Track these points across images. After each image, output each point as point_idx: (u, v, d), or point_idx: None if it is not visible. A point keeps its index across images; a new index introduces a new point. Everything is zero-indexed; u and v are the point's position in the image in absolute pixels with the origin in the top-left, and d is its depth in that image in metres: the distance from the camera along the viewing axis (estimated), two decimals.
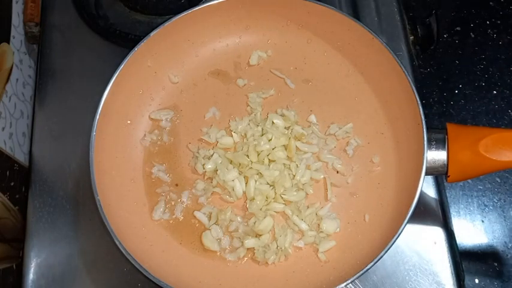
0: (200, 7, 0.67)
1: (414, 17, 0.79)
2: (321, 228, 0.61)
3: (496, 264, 0.74)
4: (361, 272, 0.54)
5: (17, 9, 0.77)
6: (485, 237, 0.75)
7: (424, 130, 0.58)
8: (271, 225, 0.61)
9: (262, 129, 0.65)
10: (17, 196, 0.70)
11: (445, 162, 0.58)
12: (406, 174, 0.60)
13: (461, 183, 0.78)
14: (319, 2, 0.66)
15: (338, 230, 0.61)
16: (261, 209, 0.62)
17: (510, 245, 0.74)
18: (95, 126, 0.61)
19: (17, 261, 0.68)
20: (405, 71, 0.61)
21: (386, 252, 0.54)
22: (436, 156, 0.58)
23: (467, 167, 0.57)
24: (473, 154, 0.56)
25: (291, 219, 0.62)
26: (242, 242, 0.60)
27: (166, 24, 0.66)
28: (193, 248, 0.61)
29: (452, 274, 0.63)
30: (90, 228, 0.66)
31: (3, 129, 0.68)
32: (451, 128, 0.59)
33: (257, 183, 0.63)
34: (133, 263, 0.55)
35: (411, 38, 0.77)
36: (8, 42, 0.73)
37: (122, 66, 0.64)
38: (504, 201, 0.77)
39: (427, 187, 0.67)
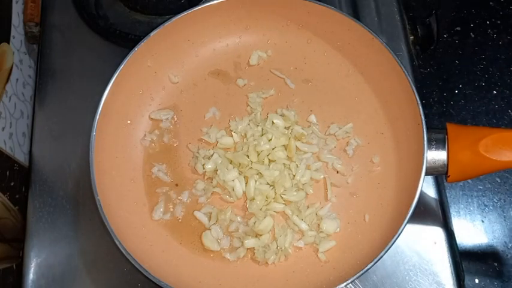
0: (200, 7, 0.67)
1: (414, 17, 0.79)
2: (321, 228, 0.61)
3: (496, 264, 0.74)
4: (361, 272, 0.54)
5: (17, 9, 0.77)
6: (485, 237, 0.75)
7: (424, 130, 0.58)
8: (271, 225, 0.61)
9: (262, 129, 0.65)
10: (17, 196, 0.70)
11: (445, 162, 0.58)
12: (406, 174, 0.60)
13: (461, 183, 0.78)
14: (319, 2, 0.66)
15: (338, 230, 0.61)
16: (261, 209, 0.62)
17: (510, 245, 0.74)
18: (95, 126, 0.61)
19: (17, 261, 0.68)
20: (405, 71, 0.61)
21: (386, 252, 0.54)
22: (436, 156, 0.58)
23: (467, 167, 0.57)
24: (473, 154, 0.56)
25: (291, 219, 0.62)
26: (242, 242, 0.60)
27: (166, 24, 0.66)
28: (193, 248, 0.61)
29: (452, 274, 0.63)
30: (90, 228, 0.66)
31: (3, 129, 0.68)
32: (451, 128, 0.59)
33: (257, 183, 0.63)
34: (133, 263, 0.55)
35: (411, 38, 0.77)
36: (8, 42, 0.73)
37: (122, 66, 0.64)
38: (504, 201, 0.77)
39: (427, 187, 0.67)
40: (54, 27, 0.78)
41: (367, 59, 0.67)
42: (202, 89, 0.70)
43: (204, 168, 0.64)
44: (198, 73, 0.70)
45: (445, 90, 0.84)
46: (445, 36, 0.88)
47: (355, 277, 0.54)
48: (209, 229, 0.61)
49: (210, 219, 0.62)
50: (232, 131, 0.66)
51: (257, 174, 0.63)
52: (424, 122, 0.58)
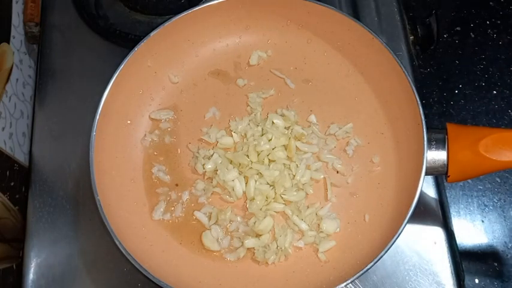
0: (200, 7, 0.67)
1: (414, 17, 0.79)
2: (321, 228, 0.61)
3: (496, 264, 0.74)
4: (361, 272, 0.54)
5: (17, 9, 0.77)
6: (485, 237, 0.75)
7: (424, 130, 0.58)
8: (271, 225, 0.61)
9: (262, 129, 0.65)
10: (17, 196, 0.70)
11: (445, 162, 0.58)
12: (406, 174, 0.60)
13: (461, 183, 0.78)
14: (319, 2, 0.66)
15: (338, 230, 0.61)
16: (261, 209, 0.62)
17: (510, 245, 0.74)
18: (95, 126, 0.61)
19: (17, 261, 0.68)
20: (405, 71, 0.61)
21: (386, 252, 0.54)
22: (436, 156, 0.58)
23: (467, 167, 0.57)
24: (473, 154, 0.56)
25: (291, 219, 0.62)
26: (242, 242, 0.60)
27: (166, 24, 0.66)
28: (193, 248, 0.61)
29: (452, 274, 0.63)
30: (90, 228, 0.66)
31: (3, 129, 0.68)
32: (451, 128, 0.59)
33: (257, 183, 0.63)
34: (133, 263, 0.55)
35: (411, 38, 0.77)
36: (8, 42, 0.73)
37: (122, 66, 0.64)
38: (504, 201, 0.77)
39: (427, 187, 0.67)
40: (54, 27, 0.78)
41: (367, 59, 0.67)
42: (202, 89, 0.70)
43: (204, 168, 0.64)
44: (198, 73, 0.70)
45: (445, 90, 0.84)
46: (445, 36, 0.88)
47: (355, 277, 0.54)
48: (209, 229, 0.61)
49: (210, 219, 0.62)
50: (232, 131, 0.66)
51: (257, 174, 0.63)
52: (424, 122, 0.58)
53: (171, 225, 0.62)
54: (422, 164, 0.57)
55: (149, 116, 0.68)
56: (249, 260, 0.61)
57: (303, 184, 0.63)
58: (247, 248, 0.60)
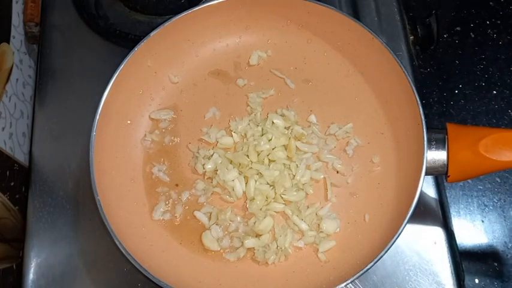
0: (200, 7, 0.67)
1: (414, 17, 0.79)
2: (321, 228, 0.61)
3: (496, 264, 0.74)
4: (361, 272, 0.54)
5: (17, 9, 0.77)
6: (485, 237, 0.75)
7: (424, 130, 0.58)
8: (271, 225, 0.61)
9: (262, 129, 0.65)
10: (17, 196, 0.70)
11: (445, 162, 0.58)
12: (406, 174, 0.60)
13: (461, 183, 0.78)
14: (319, 2, 0.66)
15: (338, 230, 0.61)
16: (261, 209, 0.62)
17: (510, 245, 0.74)
18: (95, 126, 0.61)
19: (17, 261, 0.68)
20: (405, 71, 0.61)
21: (386, 252, 0.54)
22: (436, 156, 0.58)
23: (467, 167, 0.57)
24: (473, 154, 0.56)
25: (291, 219, 0.62)
26: (242, 242, 0.60)
27: (166, 24, 0.66)
28: (193, 248, 0.61)
29: (452, 274, 0.63)
30: (90, 228, 0.66)
31: (3, 129, 0.68)
32: (451, 128, 0.59)
33: (257, 183, 0.63)
34: (133, 263, 0.55)
35: (411, 38, 0.77)
36: (8, 42, 0.73)
37: (122, 66, 0.64)
38: (504, 201, 0.77)
39: (427, 187, 0.67)
40: (54, 27, 0.78)
41: (367, 59, 0.67)
42: (202, 89, 0.70)
43: (204, 168, 0.64)
44: (198, 73, 0.70)
45: (445, 90, 0.84)
46: (445, 36, 0.88)
47: (355, 277, 0.54)
48: (209, 229, 0.61)
49: (210, 219, 0.62)
50: (232, 131, 0.66)
51: (257, 174, 0.63)
52: (424, 122, 0.58)
53: (171, 225, 0.62)
54: (422, 164, 0.57)
55: (149, 116, 0.68)
56: (249, 260, 0.61)
57: (303, 184, 0.63)
58: (247, 248, 0.60)
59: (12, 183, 0.69)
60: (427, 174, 0.57)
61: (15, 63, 0.74)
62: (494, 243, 0.75)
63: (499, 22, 0.88)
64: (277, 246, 0.60)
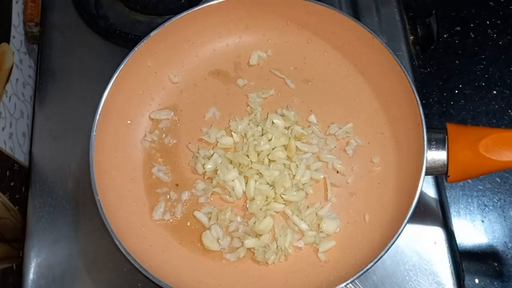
0: (200, 7, 0.67)
1: (414, 17, 0.79)
2: (321, 228, 0.61)
3: (496, 264, 0.74)
4: (361, 272, 0.54)
5: (17, 9, 0.77)
6: (485, 237, 0.75)
7: (424, 130, 0.58)
8: (271, 225, 0.61)
9: (262, 129, 0.65)
10: (17, 196, 0.70)
11: (445, 162, 0.58)
12: (406, 174, 0.60)
13: (461, 183, 0.78)
14: (319, 2, 0.66)
15: (338, 230, 0.61)
16: (261, 209, 0.62)
17: (510, 245, 0.74)
18: (95, 126, 0.61)
19: (17, 261, 0.68)
20: (405, 71, 0.61)
21: (386, 252, 0.54)
22: (436, 156, 0.58)
23: (467, 167, 0.57)
24: (473, 154, 0.56)
25: (291, 219, 0.62)
26: (242, 242, 0.60)
27: (166, 24, 0.66)
28: (193, 248, 0.61)
29: (452, 274, 0.63)
30: (90, 228, 0.66)
31: (3, 129, 0.68)
32: (451, 128, 0.59)
33: (257, 183, 0.63)
34: (133, 263, 0.55)
35: (411, 38, 0.77)
36: (8, 42, 0.73)
37: (122, 66, 0.64)
38: (504, 201, 0.77)
39: (427, 187, 0.67)
40: (54, 27, 0.78)
41: (367, 59, 0.67)
42: (202, 89, 0.70)
43: (204, 168, 0.64)
44: (198, 73, 0.70)
45: (445, 90, 0.84)
46: (445, 36, 0.88)
47: (355, 277, 0.54)
48: (209, 229, 0.61)
49: (210, 219, 0.62)
50: (232, 131, 0.66)
51: (257, 174, 0.63)
52: (424, 122, 0.58)
53: (171, 225, 0.62)
54: (422, 164, 0.57)
55: (149, 116, 0.68)
56: (249, 260, 0.61)
57: (303, 184, 0.63)
58: (247, 248, 0.60)
59: (12, 183, 0.69)
60: (427, 174, 0.57)
61: (15, 63, 0.74)
62: (494, 243, 0.75)
63: (499, 22, 0.88)
64: (277, 246, 0.60)
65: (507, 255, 0.74)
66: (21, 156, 0.72)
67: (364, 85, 0.68)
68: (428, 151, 0.58)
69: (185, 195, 0.64)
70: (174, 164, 0.66)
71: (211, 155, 0.65)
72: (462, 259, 0.65)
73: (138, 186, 0.64)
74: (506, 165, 0.56)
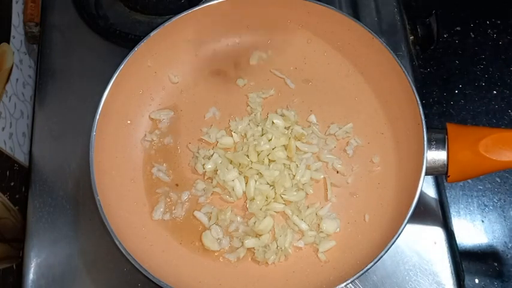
0: (200, 7, 0.67)
1: (414, 17, 0.79)
2: (321, 228, 0.61)
3: (496, 264, 0.74)
4: (361, 272, 0.54)
5: (17, 9, 0.77)
6: (485, 237, 0.75)
7: (424, 130, 0.58)
8: (271, 225, 0.61)
9: (262, 129, 0.65)
10: (17, 196, 0.70)
11: (445, 162, 0.58)
12: (406, 174, 0.60)
13: (461, 183, 0.78)
14: (319, 2, 0.66)
15: (338, 230, 0.61)
16: (261, 209, 0.62)
17: (510, 245, 0.74)
18: (95, 126, 0.61)
19: (17, 261, 0.68)
20: (405, 71, 0.61)
21: (386, 252, 0.54)
22: (436, 156, 0.58)
23: (467, 167, 0.57)
24: (473, 154, 0.56)
25: (291, 219, 0.62)
26: (242, 242, 0.60)
27: (166, 24, 0.66)
28: (193, 248, 0.61)
29: (452, 274, 0.63)
30: (90, 228, 0.66)
31: (3, 129, 0.68)
32: (451, 128, 0.59)
33: (257, 183, 0.63)
34: (133, 263, 0.55)
35: (411, 38, 0.77)
36: (8, 42, 0.73)
37: (122, 66, 0.64)
38: (504, 201, 0.77)
39: (427, 187, 0.67)
40: (54, 27, 0.78)
41: (367, 59, 0.67)
42: (202, 89, 0.70)
43: (204, 168, 0.64)
44: (198, 73, 0.70)
45: (445, 90, 0.84)
46: (445, 36, 0.88)
47: (355, 277, 0.54)
48: (209, 229, 0.61)
49: (210, 219, 0.62)
50: (232, 131, 0.66)
51: (257, 174, 0.63)
52: (424, 122, 0.58)
53: (171, 225, 0.62)
54: (422, 164, 0.57)
55: (149, 116, 0.68)
56: (249, 260, 0.61)
57: (303, 184, 0.63)
58: (247, 248, 0.60)
59: (12, 183, 0.69)
60: (427, 174, 0.57)
61: (15, 63, 0.74)
62: (494, 243, 0.75)
63: (499, 22, 0.88)
64: (277, 246, 0.60)
65: (507, 255, 0.74)
66: (21, 156, 0.72)
67: (364, 85, 0.68)
68: (428, 151, 0.58)
69: (185, 195, 0.64)
70: (174, 164, 0.66)
71: (211, 155, 0.65)
72: (462, 259, 0.65)
73: (138, 186, 0.64)
74: (506, 165, 0.56)
